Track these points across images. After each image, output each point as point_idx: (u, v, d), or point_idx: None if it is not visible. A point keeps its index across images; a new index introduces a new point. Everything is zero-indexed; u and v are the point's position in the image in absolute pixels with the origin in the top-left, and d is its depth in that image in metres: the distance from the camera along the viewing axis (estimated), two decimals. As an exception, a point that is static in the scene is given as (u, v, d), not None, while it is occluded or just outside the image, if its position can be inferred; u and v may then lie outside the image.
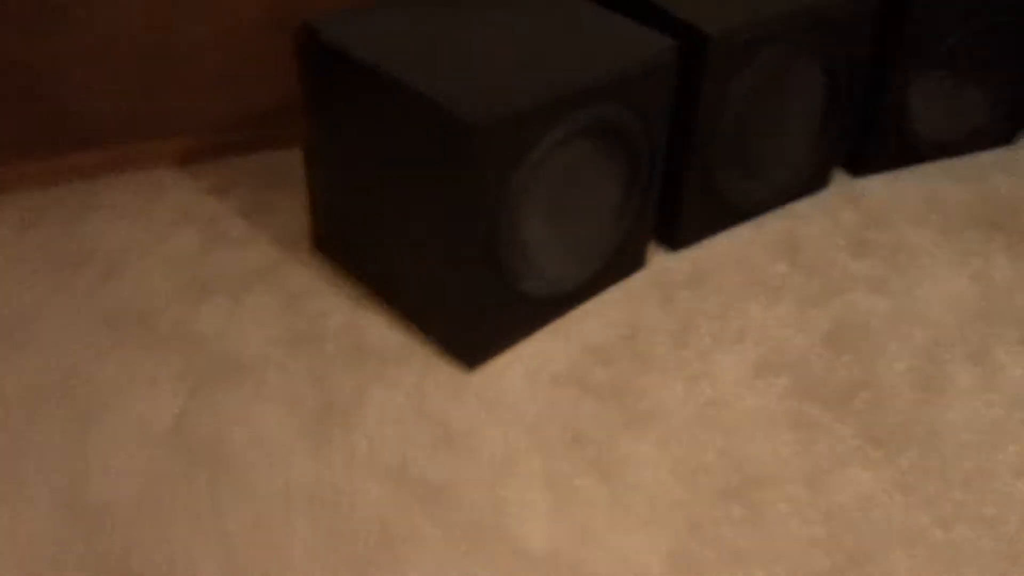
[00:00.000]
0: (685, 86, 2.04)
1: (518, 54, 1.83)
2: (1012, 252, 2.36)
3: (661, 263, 2.25)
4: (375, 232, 1.99)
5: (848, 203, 2.48)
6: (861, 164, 2.56)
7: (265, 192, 2.43)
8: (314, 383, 1.90)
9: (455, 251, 1.81)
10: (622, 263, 2.15)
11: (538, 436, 1.82)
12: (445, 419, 1.84)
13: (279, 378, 1.91)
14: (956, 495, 1.76)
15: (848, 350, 2.06)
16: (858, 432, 1.88)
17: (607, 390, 1.92)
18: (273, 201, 2.40)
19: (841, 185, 2.54)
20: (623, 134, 1.93)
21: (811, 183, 2.46)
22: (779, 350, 2.05)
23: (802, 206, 2.45)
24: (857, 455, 1.83)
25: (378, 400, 1.87)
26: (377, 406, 1.86)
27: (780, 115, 2.26)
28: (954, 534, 1.70)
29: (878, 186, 2.55)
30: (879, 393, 1.97)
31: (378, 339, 2.00)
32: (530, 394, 1.90)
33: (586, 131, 1.86)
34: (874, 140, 2.52)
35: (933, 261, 2.32)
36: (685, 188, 2.17)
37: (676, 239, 2.26)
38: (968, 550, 1.66)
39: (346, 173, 1.99)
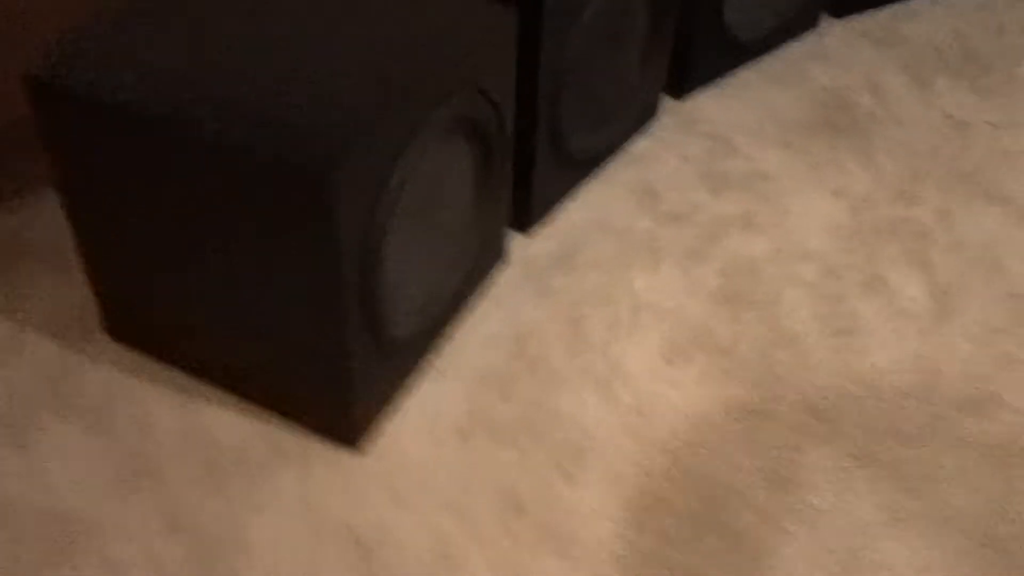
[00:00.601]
0: (521, 52, 1.74)
1: (335, 58, 1.46)
2: (859, 157, 2.25)
3: (523, 250, 1.97)
4: (197, 307, 1.58)
5: (685, 132, 2.28)
6: (683, 81, 2.36)
7: (11, 264, 1.91)
8: (169, 529, 1.49)
9: (315, 315, 1.46)
10: (484, 263, 1.86)
11: (467, 517, 1.52)
12: (349, 525, 1.51)
13: (121, 535, 1.49)
14: (909, 453, 1.64)
15: (745, 307, 1.88)
16: (795, 407, 1.71)
17: (521, 429, 1.65)
18: (25, 276, 1.89)
19: (672, 113, 2.33)
20: (476, 122, 1.62)
21: (643, 115, 2.24)
22: (679, 324, 1.84)
23: (641, 145, 2.23)
24: (806, 434, 1.66)
25: (260, 525, 1.50)
26: (261, 533, 1.49)
27: (613, 56, 2.01)
28: (923, 501, 1.57)
29: (707, 106, 2.36)
30: (795, 351, 1.80)
31: (229, 441, 1.60)
32: (437, 461, 1.60)
33: (441, 135, 1.53)
34: (693, 53, 2.31)
35: (791, 183, 2.17)
36: (536, 158, 1.89)
37: (529, 217, 1.98)
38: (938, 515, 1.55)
39: (141, 245, 1.55)
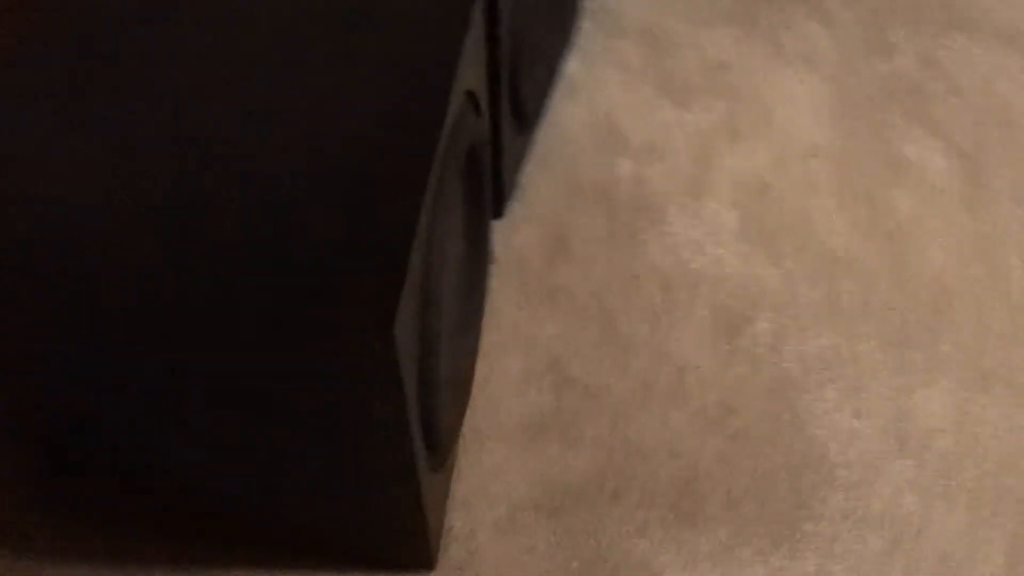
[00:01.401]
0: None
1: (303, 134, 1.06)
2: (810, 11, 1.97)
3: (505, 243, 1.62)
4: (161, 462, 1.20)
5: (615, 35, 1.93)
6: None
7: None
8: None
9: (375, 457, 1.11)
10: (482, 284, 1.51)
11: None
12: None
13: None
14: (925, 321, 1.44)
15: (780, 240, 1.61)
16: (877, 331, 1.48)
17: (606, 475, 1.36)
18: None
19: (591, 18, 1.97)
20: (473, 144, 1.26)
21: (568, 28, 1.88)
22: (722, 287, 1.56)
23: (574, 67, 1.87)
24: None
25: None
26: None
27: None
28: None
29: (623, -4, 2.01)
30: (858, 279, 1.56)
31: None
32: (524, 549, 1.31)
33: (451, 189, 1.17)
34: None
35: (756, 65, 1.88)
36: (502, 136, 1.53)
37: (502, 199, 1.64)
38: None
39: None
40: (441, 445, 1.23)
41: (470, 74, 1.23)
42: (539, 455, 1.39)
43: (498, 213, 1.64)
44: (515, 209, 1.66)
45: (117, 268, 0.94)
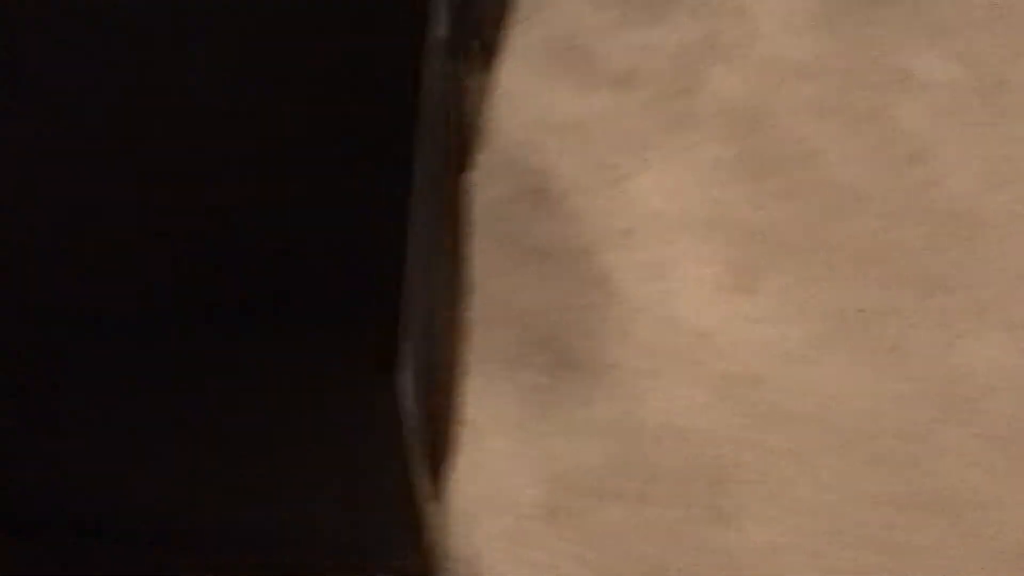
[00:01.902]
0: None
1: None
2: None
3: (479, 199, 1.40)
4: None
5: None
6: None
7: None
8: None
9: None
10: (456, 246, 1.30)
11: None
12: None
13: None
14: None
15: (782, 172, 1.43)
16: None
17: (618, 470, 1.18)
18: None
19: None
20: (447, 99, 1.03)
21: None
22: (720, 228, 1.37)
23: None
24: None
25: None
26: None
27: None
28: None
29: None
30: (870, 211, 1.38)
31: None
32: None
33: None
34: None
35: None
36: (464, 81, 1.30)
37: (466, 152, 1.41)
38: None
39: None
40: (441, 467, 1.04)
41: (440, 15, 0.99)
42: (544, 449, 1.20)
43: (465, 165, 1.41)
44: (483, 159, 1.43)
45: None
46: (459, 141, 1.34)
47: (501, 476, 1.18)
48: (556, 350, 1.26)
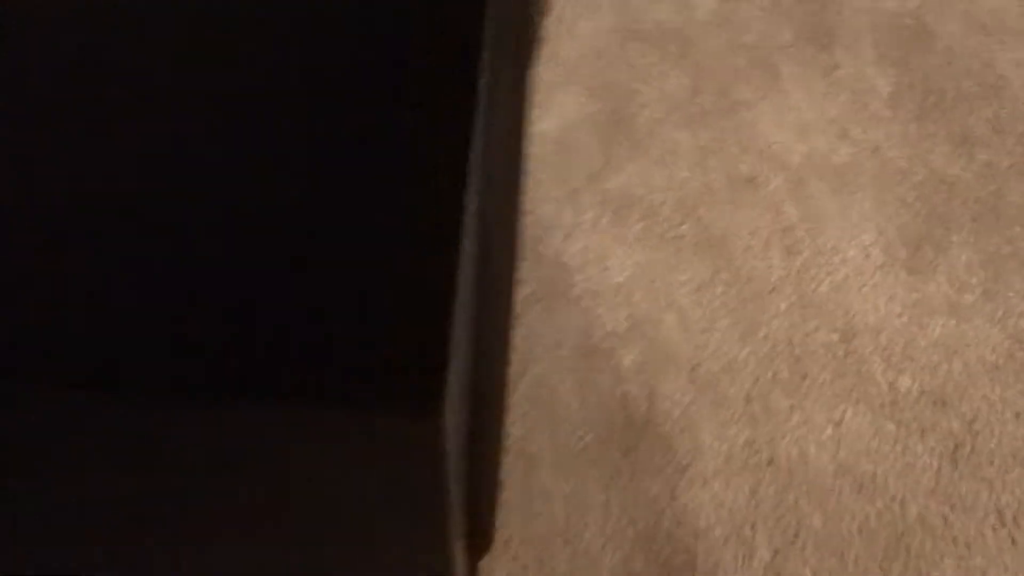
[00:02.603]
0: None
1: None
2: None
3: (537, 127, 1.01)
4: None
5: None
6: None
7: None
8: None
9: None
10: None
11: None
12: None
13: None
14: None
15: (955, 112, 1.03)
16: None
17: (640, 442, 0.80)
18: None
19: None
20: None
21: None
22: (875, 179, 0.98)
23: None
24: None
25: None
26: None
27: None
28: None
29: None
30: None
31: None
32: None
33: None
34: None
35: None
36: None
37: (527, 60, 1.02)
38: None
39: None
40: (485, 524, 0.67)
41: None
42: (615, 490, 0.82)
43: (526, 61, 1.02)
44: (546, 73, 1.04)
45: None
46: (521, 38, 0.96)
47: (556, 531, 0.80)
48: (636, 350, 0.88)
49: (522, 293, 0.90)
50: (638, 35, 1.09)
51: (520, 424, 0.81)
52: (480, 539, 0.73)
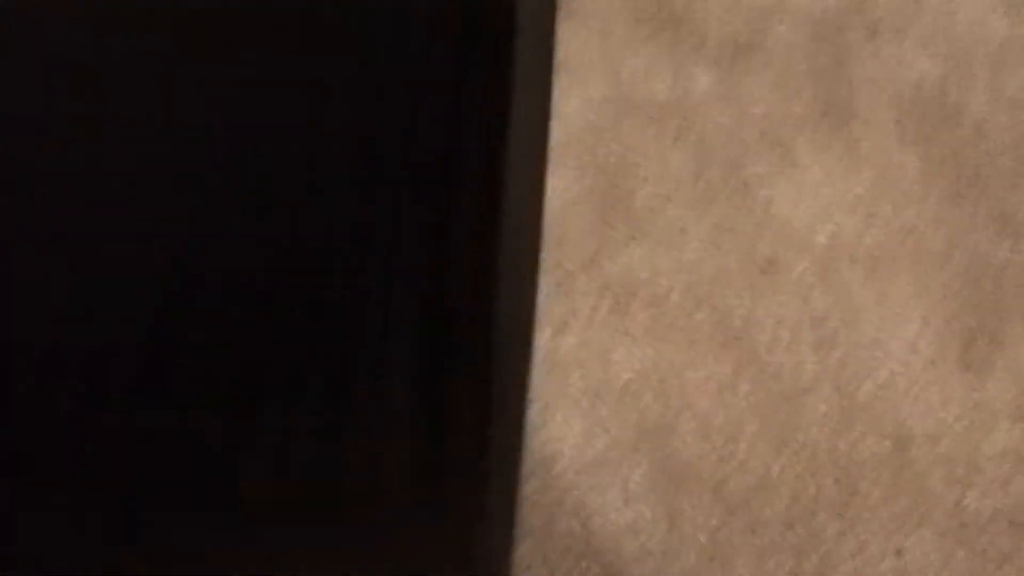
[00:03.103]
0: None
1: None
2: None
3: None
4: None
5: None
6: None
7: None
8: None
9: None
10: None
11: None
12: None
13: None
14: None
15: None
16: None
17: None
18: None
19: None
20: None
21: None
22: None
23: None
24: None
25: None
26: None
27: None
28: None
29: None
30: None
31: None
32: None
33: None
34: None
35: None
36: None
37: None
38: None
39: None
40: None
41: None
42: None
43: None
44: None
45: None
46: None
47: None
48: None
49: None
50: (633, 110, 0.97)
51: (516, 563, 0.66)
52: None
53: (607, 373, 0.76)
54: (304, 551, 0.50)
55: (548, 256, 0.83)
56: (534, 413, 0.74)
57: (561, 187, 0.89)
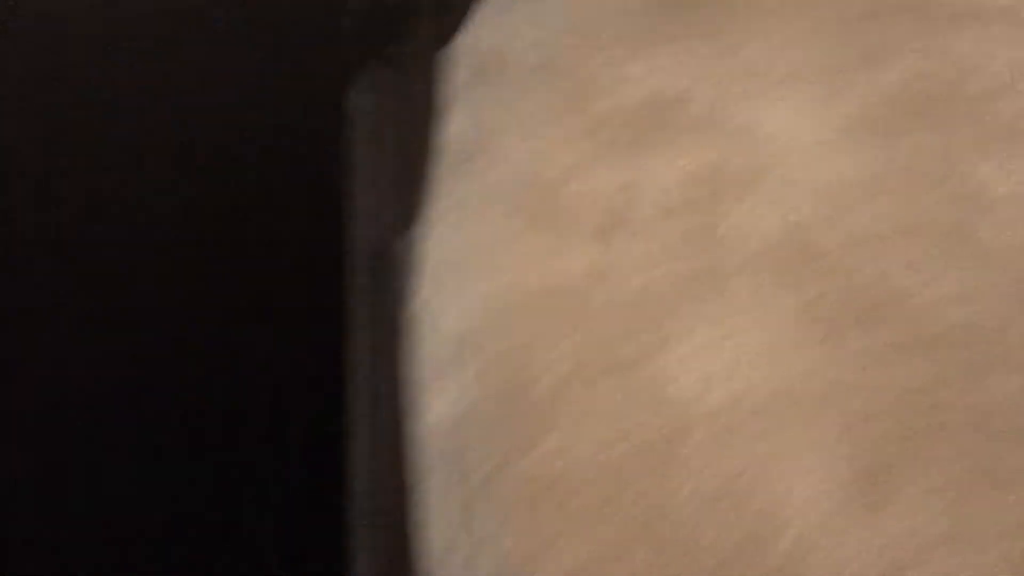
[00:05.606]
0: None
1: None
2: None
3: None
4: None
5: None
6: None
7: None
8: None
9: None
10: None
11: None
12: None
13: None
14: None
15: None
16: None
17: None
18: None
19: None
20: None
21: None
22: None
23: None
24: None
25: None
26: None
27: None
28: None
29: None
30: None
31: None
32: None
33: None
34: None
35: None
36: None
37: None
38: None
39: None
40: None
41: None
42: None
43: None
44: (418, 369, 0.94)
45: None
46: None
47: None
48: None
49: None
50: (517, 301, 1.01)
51: None
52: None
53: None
54: None
55: (449, 476, 0.83)
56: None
57: (456, 395, 0.90)
